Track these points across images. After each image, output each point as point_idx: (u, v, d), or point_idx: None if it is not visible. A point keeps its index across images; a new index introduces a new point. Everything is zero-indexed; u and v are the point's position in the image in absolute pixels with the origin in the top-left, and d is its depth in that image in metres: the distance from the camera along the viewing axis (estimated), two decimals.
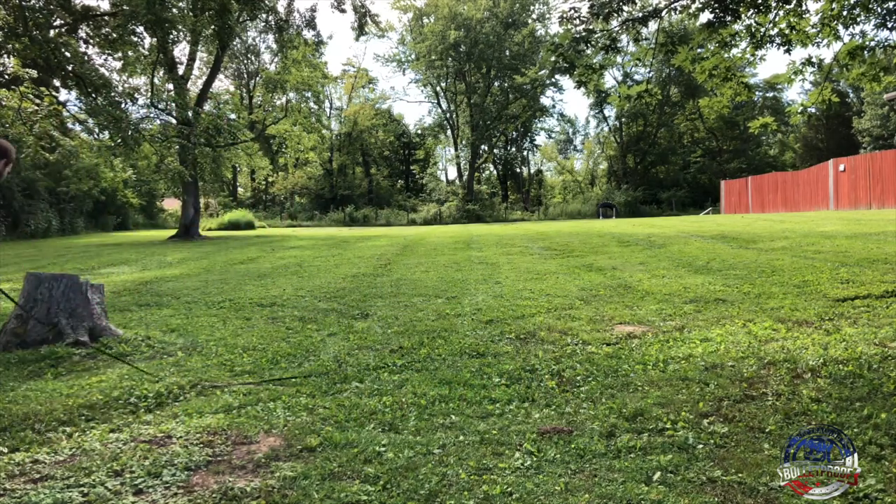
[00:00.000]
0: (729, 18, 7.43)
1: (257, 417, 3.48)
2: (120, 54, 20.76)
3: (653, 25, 8.11)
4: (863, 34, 8.88)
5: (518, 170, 61.37)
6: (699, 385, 3.72)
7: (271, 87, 28.25)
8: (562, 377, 4.05)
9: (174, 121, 22.57)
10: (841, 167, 27.72)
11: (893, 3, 8.02)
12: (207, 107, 26.72)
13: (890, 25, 8.17)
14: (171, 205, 44.79)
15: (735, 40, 8.22)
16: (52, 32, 17.74)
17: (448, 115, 57.15)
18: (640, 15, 7.69)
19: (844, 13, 7.95)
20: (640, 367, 4.17)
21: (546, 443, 2.99)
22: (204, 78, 29.86)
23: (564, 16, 7.75)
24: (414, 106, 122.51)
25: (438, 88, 56.49)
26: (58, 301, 5.29)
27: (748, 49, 8.32)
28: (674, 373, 3.99)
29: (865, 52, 8.25)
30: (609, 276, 8.60)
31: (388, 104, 62.02)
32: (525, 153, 61.26)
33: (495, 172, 61.80)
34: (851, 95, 48.44)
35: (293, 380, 4.24)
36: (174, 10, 19.12)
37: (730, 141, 53.13)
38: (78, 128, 24.02)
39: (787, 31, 8.06)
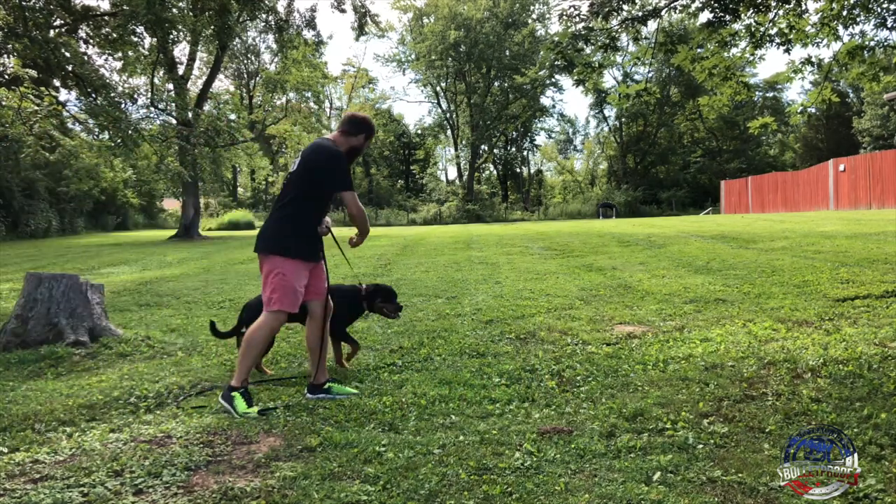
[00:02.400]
0: (729, 18, 7.43)
1: (257, 417, 3.48)
2: (120, 54, 20.75)
3: (652, 25, 8.12)
4: (863, 34, 8.90)
5: (518, 170, 61.32)
6: (699, 385, 3.72)
7: (271, 87, 28.25)
8: (562, 377, 4.05)
9: (174, 121, 22.58)
10: (841, 167, 27.71)
11: (894, 3, 8.02)
12: (207, 107, 26.71)
13: (890, 25, 8.17)
14: (171, 205, 44.82)
15: (735, 40, 8.22)
16: (52, 32, 17.72)
17: (448, 115, 57.11)
18: (640, 14, 7.68)
19: (844, 13, 7.95)
20: (640, 367, 4.17)
21: (546, 443, 2.98)
22: (204, 78, 29.87)
23: (564, 14, 7.75)
24: (414, 106, 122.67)
25: (438, 88, 56.45)
26: (58, 301, 5.29)
27: (748, 48, 8.32)
28: (674, 373, 3.99)
29: (865, 52, 8.26)
30: (609, 276, 8.60)
31: (388, 104, 62.04)
32: (525, 153, 61.24)
33: (495, 172, 61.76)
34: (851, 95, 48.37)
35: (293, 380, 4.25)
36: (174, 10, 19.11)
37: (730, 141, 53.07)
38: (78, 128, 24.01)
39: (786, 31, 8.05)
